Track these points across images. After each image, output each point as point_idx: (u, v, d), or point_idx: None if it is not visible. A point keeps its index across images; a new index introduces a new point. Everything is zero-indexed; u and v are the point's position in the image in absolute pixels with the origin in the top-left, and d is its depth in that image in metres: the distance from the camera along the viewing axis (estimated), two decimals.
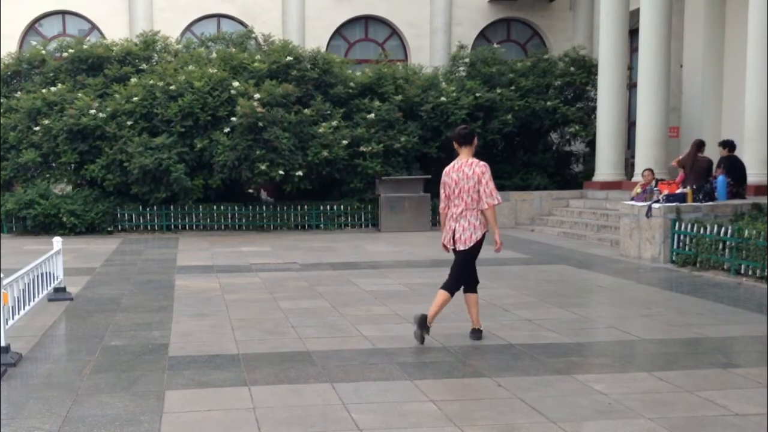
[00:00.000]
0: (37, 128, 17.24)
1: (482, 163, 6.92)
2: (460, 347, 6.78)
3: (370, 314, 8.20)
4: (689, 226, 11.67)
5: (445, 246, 7.07)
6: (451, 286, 6.96)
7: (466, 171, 6.86)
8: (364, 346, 6.86)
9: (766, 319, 7.85)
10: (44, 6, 22.43)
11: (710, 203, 12.38)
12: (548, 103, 19.41)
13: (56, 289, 9.03)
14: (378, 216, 18.01)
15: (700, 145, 14.31)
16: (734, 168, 13.47)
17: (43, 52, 19.02)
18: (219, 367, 6.18)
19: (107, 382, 5.77)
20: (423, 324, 6.82)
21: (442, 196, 7.05)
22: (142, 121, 17.28)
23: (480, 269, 11.49)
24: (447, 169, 7.02)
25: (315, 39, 22.19)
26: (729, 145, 13.96)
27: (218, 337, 7.22)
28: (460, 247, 6.94)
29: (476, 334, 7.06)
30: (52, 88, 17.87)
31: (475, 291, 7.08)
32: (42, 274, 8.36)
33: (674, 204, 12.22)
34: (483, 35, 24.01)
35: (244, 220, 17.89)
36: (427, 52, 23.24)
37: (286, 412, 5.11)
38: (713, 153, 14.42)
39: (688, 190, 12.56)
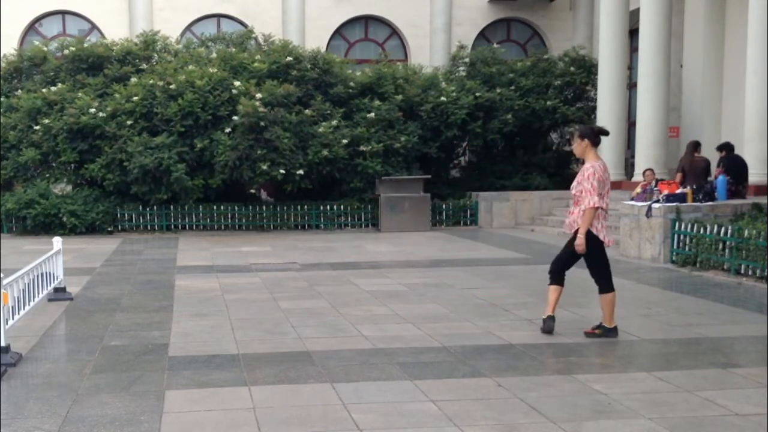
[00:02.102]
0: (37, 127, 17.24)
1: None
2: (460, 347, 6.78)
3: (370, 314, 8.20)
4: (689, 226, 11.67)
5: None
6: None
7: (609, 171, 7.03)
8: (364, 346, 6.86)
9: (766, 319, 7.85)
10: (44, 6, 22.45)
11: (710, 203, 12.39)
12: (548, 103, 19.41)
13: (56, 289, 9.03)
14: (378, 216, 18.01)
15: (695, 146, 14.34)
16: (734, 167, 13.48)
17: (45, 49, 19.04)
18: (219, 367, 6.18)
19: (107, 382, 5.77)
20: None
21: (599, 192, 6.79)
22: (142, 120, 17.28)
23: (480, 269, 11.57)
24: (602, 165, 6.89)
25: (315, 39, 22.20)
26: (726, 147, 14.00)
27: (218, 337, 7.22)
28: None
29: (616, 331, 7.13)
30: (53, 88, 17.87)
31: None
32: (42, 274, 8.36)
33: (674, 204, 12.22)
34: (483, 35, 24.02)
35: (244, 220, 17.89)
36: (427, 52, 23.25)
37: (286, 412, 5.12)
38: (712, 154, 14.42)
39: (688, 190, 12.56)
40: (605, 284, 7.08)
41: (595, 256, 7.02)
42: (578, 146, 7.03)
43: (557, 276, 7.15)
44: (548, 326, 7.15)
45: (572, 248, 6.98)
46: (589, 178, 6.82)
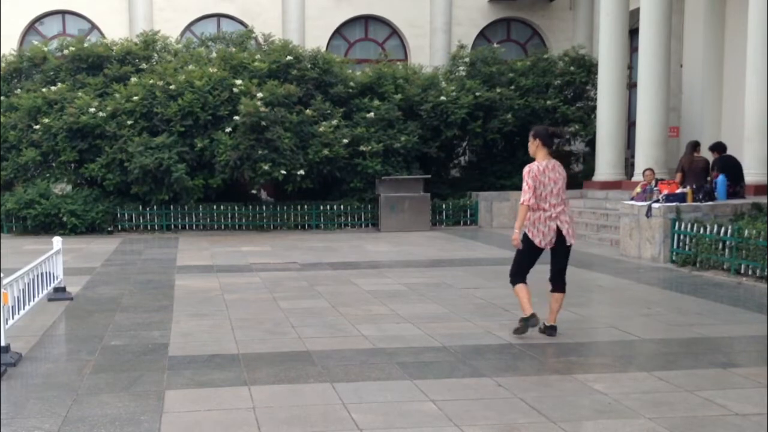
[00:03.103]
0: (37, 127, 17.24)
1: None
2: (460, 347, 6.78)
3: (370, 314, 8.20)
4: (689, 226, 11.67)
5: (528, 244, 7.01)
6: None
7: (560, 171, 7.04)
8: (364, 346, 6.86)
9: (766, 319, 7.85)
10: (44, 6, 22.45)
11: (710, 203, 12.38)
12: (548, 103, 19.41)
13: (56, 289, 9.03)
14: (378, 216, 18.01)
15: (695, 146, 14.34)
16: (729, 168, 13.47)
17: (45, 49, 19.04)
18: (219, 367, 6.18)
19: (107, 382, 5.77)
20: (533, 317, 7.09)
21: (531, 194, 6.91)
22: (142, 120, 17.28)
23: (480, 269, 11.57)
24: (541, 168, 6.92)
25: (315, 39, 22.20)
26: (718, 148, 13.99)
27: (218, 337, 7.22)
28: (571, 241, 7.06)
29: (553, 331, 7.14)
30: (53, 87, 17.88)
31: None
32: (42, 273, 8.36)
33: (674, 204, 12.22)
34: (483, 35, 24.02)
35: (244, 220, 17.89)
36: (427, 52, 23.25)
37: (286, 412, 5.12)
38: (710, 154, 14.42)
39: (688, 189, 12.56)
40: (512, 276, 7.16)
41: (519, 250, 7.13)
42: (531, 144, 7.10)
43: (518, 277, 7.16)
44: (532, 323, 7.13)
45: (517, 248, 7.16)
46: (525, 176, 6.97)
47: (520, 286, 7.10)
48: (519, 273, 7.13)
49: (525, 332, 7.07)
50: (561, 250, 7.06)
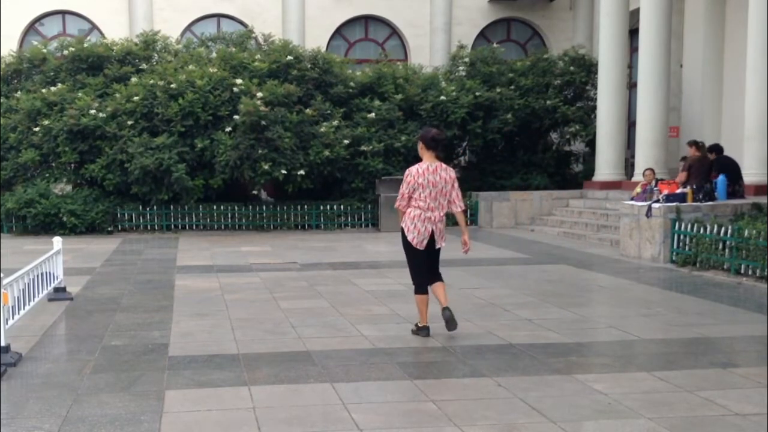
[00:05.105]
0: (37, 128, 17.21)
1: (450, 167, 7.20)
2: (460, 347, 6.78)
3: (370, 314, 8.21)
4: (689, 226, 11.67)
5: (414, 244, 7.06)
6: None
7: (443, 174, 7.05)
8: (364, 346, 6.86)
9: (766, 319, 7.85)
10: (44, 6, 22.44)
11: (710, 203, 12.39)
12: (548, 103, 19.41)
13: (56, 289, 9.03)
14: (378, 216, 18.01)
15: (703, 146, 14.33)
16: (726, 168, 13.48)
17: (44, 51, 19.03)
18: (219, 367, 6.18)
19: (107, 382, 5.77)
20: (424, 329, 7.22)
21: (405, 195, 7.02)
22: (143, 120, 17.27)
23: (480, 269, 11.57)
24: (421, 170, 6.99)
25: (315, 39, 22.20)
26: (716, 149, 14.02)
27: (218, 337, 7.22)
28: (443, 244, 7.21)
29: (447, 311, 7.07)
30: (52, 88, 17.85)
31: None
32: (42, 273, 8.36)
33: (674, 204, 12.22)
34: (483, 35, 24.02)
35: (244, 220, 17.89)
36: (427, 52, 23.26)
37: (286, 412, 5.12)
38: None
39: (688, 189, 12.57)
40: (414, 285, 7.23)
41: (407, 255, 7.25)
42: (418, 148, 7.23)
43: (418, 286, 7.23)
44: (424, 333, 7.20)
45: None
46: (403, 180, 7.10)
47: (419, 298, 7.18)
48: (417, 277, 7.19)
49: (420, 335, 7.16)
50: (432, 253, 7.18)
